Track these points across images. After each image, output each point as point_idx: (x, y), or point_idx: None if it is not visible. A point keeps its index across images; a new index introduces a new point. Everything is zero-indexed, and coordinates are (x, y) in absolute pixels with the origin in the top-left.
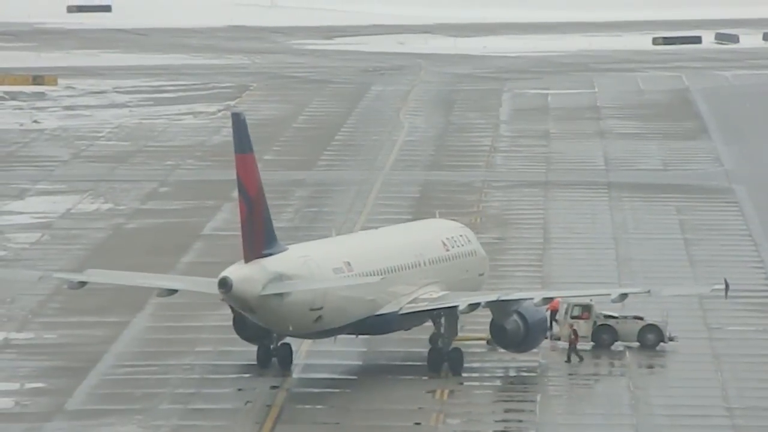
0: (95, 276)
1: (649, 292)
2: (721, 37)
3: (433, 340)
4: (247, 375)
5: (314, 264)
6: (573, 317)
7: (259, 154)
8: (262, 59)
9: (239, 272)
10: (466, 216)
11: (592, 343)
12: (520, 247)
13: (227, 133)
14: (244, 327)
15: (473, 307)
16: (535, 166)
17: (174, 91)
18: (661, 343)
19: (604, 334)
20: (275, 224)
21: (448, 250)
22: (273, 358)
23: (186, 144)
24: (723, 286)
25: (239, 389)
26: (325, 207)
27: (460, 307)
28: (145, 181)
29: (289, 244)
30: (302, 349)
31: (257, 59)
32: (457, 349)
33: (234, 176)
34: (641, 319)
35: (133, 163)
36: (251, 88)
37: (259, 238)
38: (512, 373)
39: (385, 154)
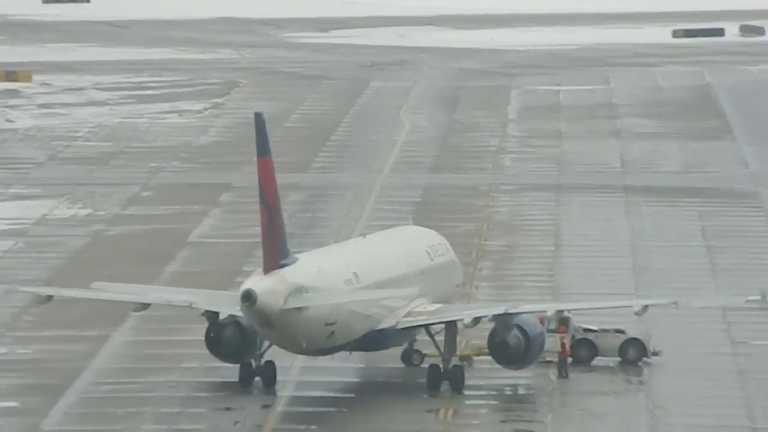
0: (102, 289)
1: (675, 303)
2: (745, 30)
3: (406, 358)
4: (235, 393)
5: (328, 275)
6: (549, 331)
7: (249, 155)
8: (252, 53)
9: (262, 284)
10: (471, 222)
11: (569, 359)
12: (529, 255)
13: (215, 133)
14: (220, 344)
15: (477, 320)
16: (545, 169)
17: (158, 88)
18: (644, 359)
19: (583, 349)
20: None
21: (432, 260)
22: (256, 378)
23: (170, 145)
24: (759, 297)
25: (227, 408)
26: (321, 212)
27: (465, 321)
28: (127, 185)
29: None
30: (295, 365)
31: (247, 53)
32: (458, 367)
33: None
34: (622, 332)
35: (113, 166)
36: (240, 84)
37: (277, 247)
38: (521, 391)
39: (384, 155)
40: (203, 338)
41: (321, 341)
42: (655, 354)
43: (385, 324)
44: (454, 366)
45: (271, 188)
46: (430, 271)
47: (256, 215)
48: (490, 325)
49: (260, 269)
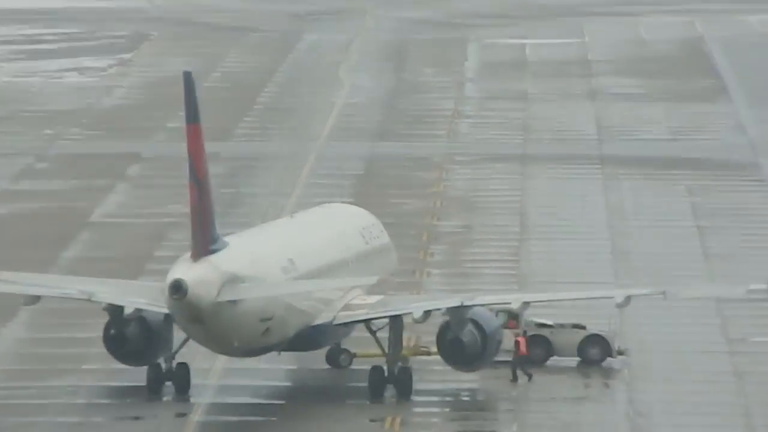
0: None
1: (663, 294)
2: None
3: (331, 359)
4: (144, 400)
5: (263, 263)
6: None
7: (161, 120)
8: (165, 1)
9: (193, 273)
10: (422, 199)
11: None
12: (491, 237)
13: (121, 95)
14: (122, 343)
15: (428, 314)
16: (509, 136)
17: (54, 42)
18: (608, 359)
19: (536, 347)
20: (181, 210)
21: (367, 243)
22: (167, 382)
23: (69, 108)
24: (764, 287)
25: (136, 417)
26: (245, 188)
27: (415, 315)
28: (17, 155)
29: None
30: (216, 366)
31: (158, 1)
32: (406, 369)
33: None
34: (582, 327)
35: (1, 133)
36: (151, 37)
37: (207, 229)
38: (479, 397)
39: (320, 120)
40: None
41: (254, 339)
42: (621, 353)
43: (321, 319)
44: (401, 368)
45: (201, 161)
46: (365, 257)
47: (170, 191)
48: (438, 320)
49: (187, 255)
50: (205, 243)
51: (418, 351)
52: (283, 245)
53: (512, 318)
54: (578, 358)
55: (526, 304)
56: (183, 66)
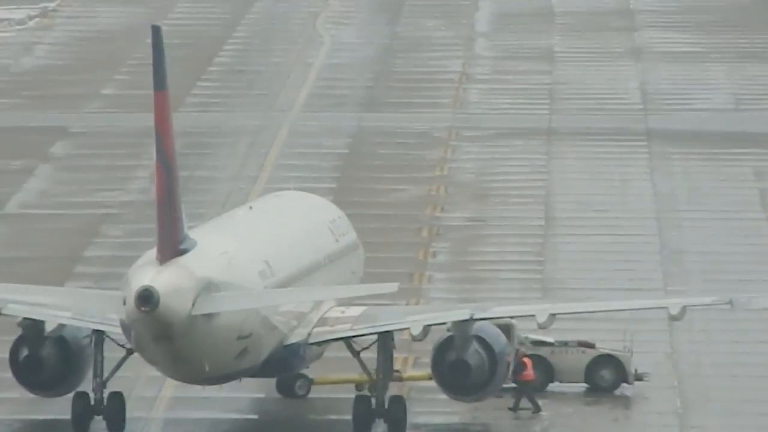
0: None
1: (730, 303)
2: None
3: (284, 386)
4: None
5: (240, 266)
6: None
7: (93, 85)
8: None
9: (163, 280)
10: (422, 184)
11: (513, 384)
12: (508, 232)
13: (43, 53)
14: (36, 368)
15: (427, 330)
16: (531, 106)
17: None
18: (623, 385)
19: (605, 371)
20: (117, 198)
21: (337, 241)
22: (97, 416)
23: None
24: None
25: None
26: (200, 170)
27: (413, 331)
28: None
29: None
30: (164, 395)
31: None
32: (399, 398)
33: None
34: (591, 346)
35: None
36: None
37: (177, 224)
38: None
39: (293, 85)
40: (8, 359)
41: (228, 362)
42: (639, 379)
43: (295, 337)
44: (393, 397)
45: (170, 137)
46: (336, 257)
47: (104, 174)
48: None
49: (150, 256)
50: (174, 241)
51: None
52: (254, 244)
53: (502, 333)
54: (585, 384)
55: (553, 316)
56: (123, 18)
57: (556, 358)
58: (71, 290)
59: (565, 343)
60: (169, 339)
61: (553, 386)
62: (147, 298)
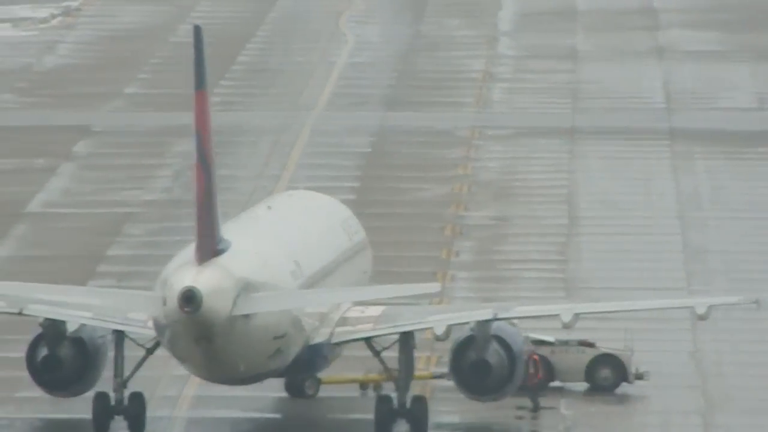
0: None
1: (757, 302)
2: None
3: (293, 386)
4: None
5: (274, 266)
6: None
7: (114, 84)
8: None
9: (204, 280)
10: (445, 183)
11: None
12: (531, 231)
13: (66, 52)
14: (55, 368)
15: (449, 330)
16: (554, 105)
17: None
18: (624, 384)
19: (606, 370)
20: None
21: (350, 240)
22: (117, 416)
23: (1, 69)
24: None
25: None
26: (222, 169)
27: (437, 331)
28: None
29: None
30: (186, 394)
31: None
32: (421, 399)
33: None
34: (591, 345)
35: None
36: None
37: (215, 224)
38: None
39: (316, 85)
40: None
41: (261, 363)
42: (640, 378)
43: (319, 337)
44: (415, 397)
45: (209, 136)
46: (350, 256)
47: (126, 173)
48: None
49: (187, 255)
50: (213, 241)
51: (391, 375)
52: (283, 244)
53: None
54: (585, 383)
55: (577, 316)
56: (145, 17)
57: (556, 357)
58: (108, 291)
59: (566, 343)
60: (209, 339)
61: (553, 385)
62: (190, 298)
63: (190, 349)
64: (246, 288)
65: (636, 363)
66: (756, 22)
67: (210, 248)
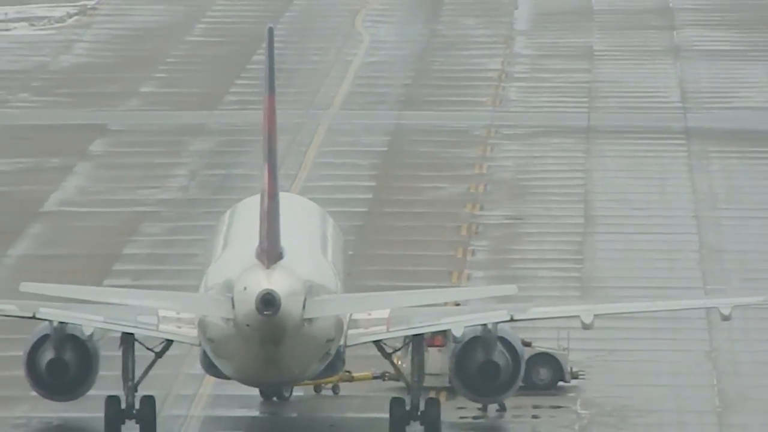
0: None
1: None
2: None
3: (268, 394)
4: None
5: (324, 268)
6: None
7: (131, 83)
8: None
9: (279, 283)
10: (461, 182)
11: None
12: (547, 230)
13: (83, 51)
14: (60, 371)
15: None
16: (570, 104)
17: None
18: (560, 383)
19: (542, 370)
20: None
21: (337, 242)
22: (129, 420)
23: (17, 68)
24: None
25: None
26: (237, 168)
27: (456, 333)
28: None
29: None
30: (202, 392)
31: None
32: (434, 401)
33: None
34: (527, 344)
35: None
36: None
37: (279, 228)
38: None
39: (332, 84)
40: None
41: (312, 367)
42: (575, 377)
43: (344, 339)
44: (429, 399)
45: (276, 137)
46: (342, 258)
47: (143, 172)
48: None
49: (246, 257)
50: (279, 244)
51: (365, 376)
52: (312, 244)
53: (438, 334)
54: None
55: (595, 317)
56: (161, 16)
57: None
58: (169, 293)
59: None
60: (276, 342)
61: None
62: (270, 301)
63: (251, 352)
64: (310, 291)
65: (571, 362)
66: None
67: (277, 251)
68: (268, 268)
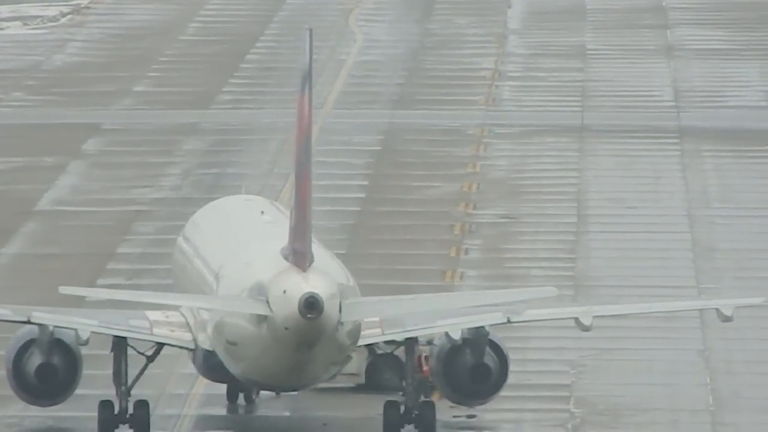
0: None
1: None
2: None
3: (234, 392)
4: None
5: (346, 270)
6: None
7: (124, 82)
8: None
9: (320, 287)
10: (454, 181)
11: (361, 382)
12: (540, 229)
13: (76, 51)
14: (49, 377)
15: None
16: (563, 103)
17: None
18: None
19: (387, 371)
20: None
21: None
22: (123, 425)
23: (11, 68)
24: None
25: None
26: (231, 167)
27: (454, 336)
28: None
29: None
30: (194, 392)
31: None
32: (429, 404)
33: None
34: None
35: None
36: None
37: (310, 230)
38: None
39: (325, 83)
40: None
41: (335, 369)
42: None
43: (357, 343)
44: (424, 402)
45: (310, 138)
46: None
47: (136, 171)
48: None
49: (277, 260)
50: (310, 247)
51: None
52: (319, 246)
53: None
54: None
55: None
56: (155, 15)
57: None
58: (208, 297)
59: (430, 340)
60: (311, 346)
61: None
62: (313, 304)
63: (283, 355)
64: (343, 294)
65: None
66: (766, 20)
67: (309, 254)
68: (304, 271)
